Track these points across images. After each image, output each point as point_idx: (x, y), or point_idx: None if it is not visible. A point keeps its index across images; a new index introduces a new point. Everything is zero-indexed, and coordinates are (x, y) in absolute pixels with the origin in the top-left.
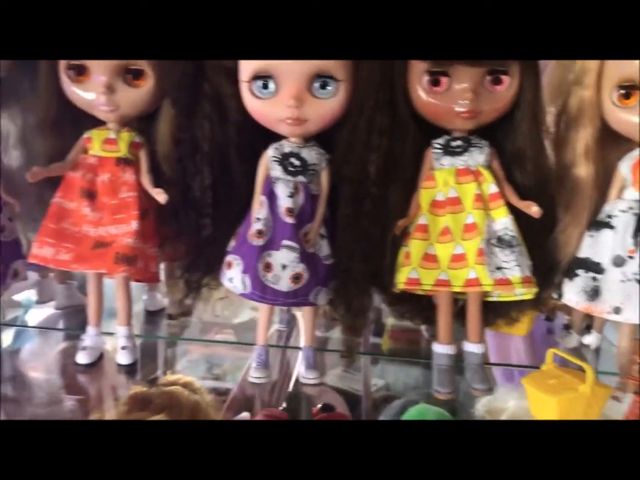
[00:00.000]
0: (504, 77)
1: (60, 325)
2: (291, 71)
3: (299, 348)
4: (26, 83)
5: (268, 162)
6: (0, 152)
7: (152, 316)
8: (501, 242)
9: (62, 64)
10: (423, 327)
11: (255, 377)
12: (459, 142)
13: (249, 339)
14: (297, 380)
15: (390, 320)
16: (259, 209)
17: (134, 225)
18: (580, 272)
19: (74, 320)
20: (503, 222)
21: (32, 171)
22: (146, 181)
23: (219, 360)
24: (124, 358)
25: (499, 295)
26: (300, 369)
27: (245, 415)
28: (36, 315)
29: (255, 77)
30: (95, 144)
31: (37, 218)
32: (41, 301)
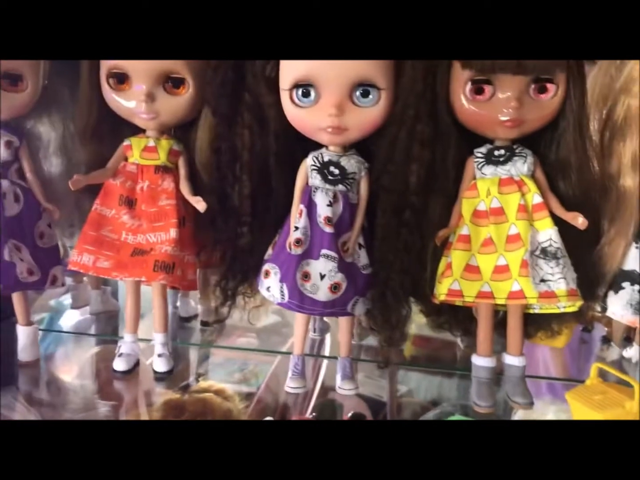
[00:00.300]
0: (550, 86)
1: (93, 329)
2: (332, 79)
3: (334, 357)
4: (67, 91)
5: (307, 171)
6: (41, 159)
7: (185, 322)
8: (546, 253)
9: (104, 72)
10: (458, 338)
11: (292, 387)
12: (501, 151)
13: (272, 342)
14: (322, 387)
15: (413, 328)
16: (297, 218)
17: (172, 233)
18: (625, 285)
19: (106, 326)
20: (548, 234)
21: (74, 179)
22: (185, 189)
23: (242, 364)
24: (160, 365)
25: (541, 307)
26: (336, 379)
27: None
28: (69, 320)
29: (296, 85)
30: (135, 152)
31: (75, 224)
32: (75, 306)
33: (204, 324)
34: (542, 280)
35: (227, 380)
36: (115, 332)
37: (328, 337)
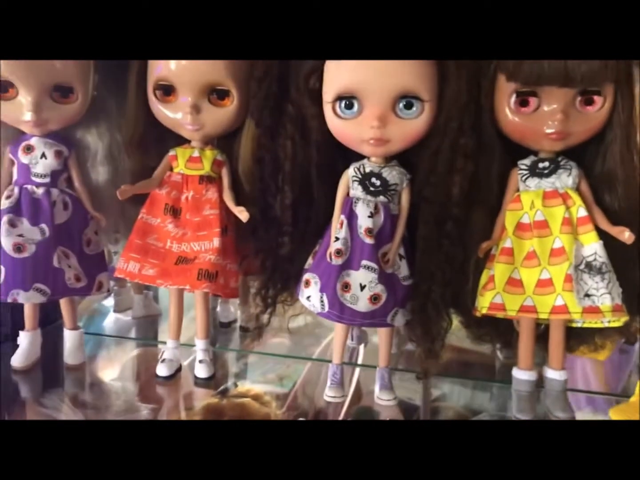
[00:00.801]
0: (596, 98)
1: (133, 333)
2: (376, 91)
3: (372, 367)
4: (114, 101)
5: (349, 182)
6: (89, 168)
7: (225, 327)
8: (590, 268)
9: (151, 84)
10: (498, 349)
11: (331, 396)
12: (546, 164)
13: (305, 344)
14: (355, 394)
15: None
16: (338, 229)
17: (215, 242)
18: None
19: (147, 329)
20: (592, 248)
21: (121, 189)
22: (228, 199)
23: (274, 365)
24: (202, 371)
25: (584, 321)
26: (375, 389)
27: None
28: (110, 323)
29: (339, 97)
30: (180, 162)
31: (120, 231)
32: (118, 310)
33: (244, 329)
34: (587, 295)
35: (261, 380)
36: (155, 336)
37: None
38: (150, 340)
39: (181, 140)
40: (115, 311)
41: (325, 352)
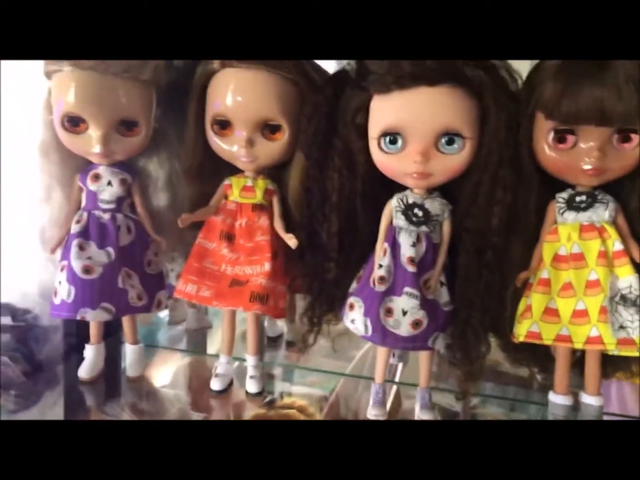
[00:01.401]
0: (633, 136)
1: (184, 344)
2: (419, 129)
3: (412, 385)
4: (174, 132)
5: (392, 212)
6: (151, 195)
7: (273, 341)
8: (625, 300)
9: (209, 118)
10: (535, 372)
11: (374, 414)
12: (583, 197)
13: (345, 348)
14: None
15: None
16: (382, 256)
17: (267, 266)
18: None
19: (198, 341)
20: (628, 280)
21: (182, 218)
22: (278, 226)
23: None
24: (252, 387)
25: (620, 350)
26: (415, 408)
27: None
28: (165, 334)
29: (384, 134)
30: (235, 191)
31: (177, 251)
32: (173, 322)
33: (290, 344)
34: (621, 327)
35: (301, 382)
36: (205, 347)
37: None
38: (201, 352)
39: (236, 170)
40: (170, 323)
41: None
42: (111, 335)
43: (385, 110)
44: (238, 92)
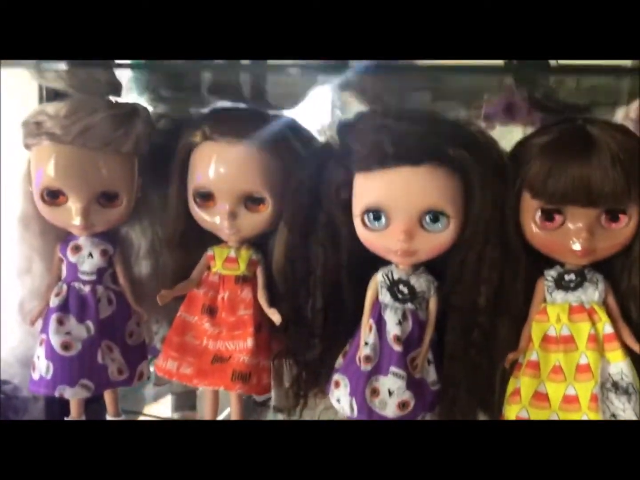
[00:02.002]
0: (622, 216)
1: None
2: (402, 208)
3: None
4: (156, 199)
5: (377, 287)
6: (132, 263)
7: (259, 406)
8: (617, 387)
9: (191, 190)
10: None
11: None
12: (572, 276)
13: None
14: None
15: None
16: (367, 333)
17: (249, 343)
18: None
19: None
20: (619, 366)
21: (161, 295)
22: (262, 298)
23: None
24: None
25: None
26: None
27: None
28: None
29: (368, 210)
30: (218, 262)
31: (159, 319)
32: (158, 384)
33: (277, 409)
34: (613, 415)
35: None
36: (193, 405)
37: None
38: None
39: (219, 239)
40: (155, 384)
41: None
42: (93, 401)
43: (368, 188)
44: (220, 165)
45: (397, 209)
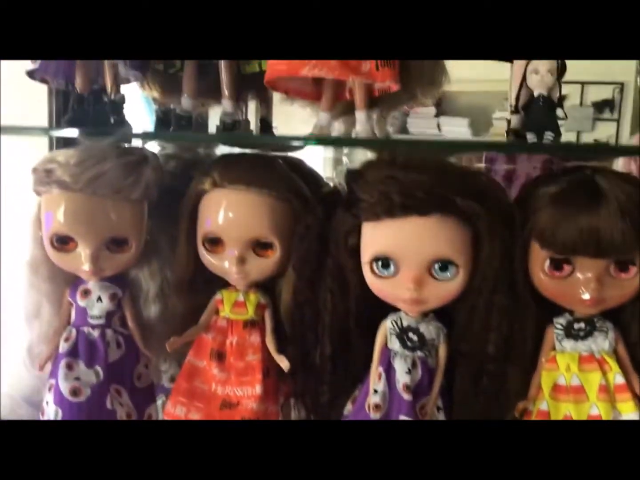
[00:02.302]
0: (631, 266)
1: None
2: (411, 257)
3: None
4: (165, 242)
5: (386, 334)
6: (141, 306)
7: None
8: None
9: (200, 235)
10: None
11: None
12: (581, 325)
13: None
14: None
15: None
16: (376, 381)
17: (258, 389)
18: None
19: None
20: (631, 418)
21: (170, 342)
22: (270, 344)
23: None
24: None
25: None
26: None
27: None
28: None
29: (376, 258)
30: (226, 307)
31: (169, 359)
32: None
33: None
34: None
35: None
36: None
37: None
38: None
39: (228, 282)
40: None
41: None
42: None
43: (377, 237)
44: (229, 212)
45: (406, 257)
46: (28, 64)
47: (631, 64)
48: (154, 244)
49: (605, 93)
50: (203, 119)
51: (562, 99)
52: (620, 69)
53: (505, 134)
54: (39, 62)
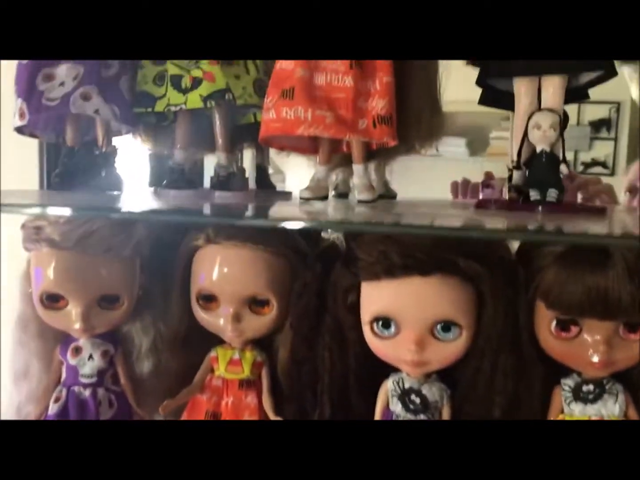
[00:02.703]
0: None
1: None
2: (412, 318)
3: None
4: (158, 296)
5: (387, 395)
6: (134, 362)
7: None
8: None
9: (194, 292)
10: None
11: None
12: (590, 387)
13: None
14: None
15: None
16: None
17: None
18: None
19: None
20: None
21: (164, 405)
22: (267, 404)
23: None
24: None
25: None
26: None
27: None
28: None
29: (377, 319)
30: (221, 365)
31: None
32: None
33: None
34: None
35: None
36: None
37: None
38: None
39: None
40: None
41: None
42: None
43: (377, 296)
44: (224, 268)
45: (407, 318)
46: (16, 121)
47: (626, 83)
48: (146, 298)
49: (602, 112)
50: (197, 167)
51: (564, 153)
52: (616, 88)
53: (507, 190)
54: (27, 117)
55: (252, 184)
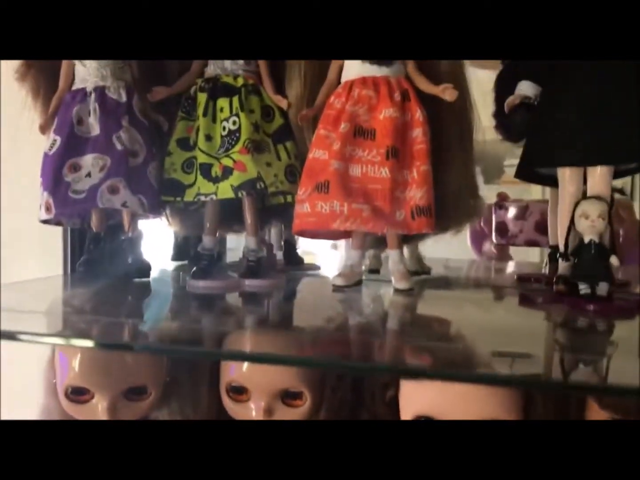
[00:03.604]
0: None
1: None
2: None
3: None
4: (185, 385)
5: None
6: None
7: None
8: None
9: (223, 384)
10: None
11: None
12: None
13: None
14: None
15: None
16: None
17: None
18: None
19: None
20: None
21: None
22: None
23: None
24: None
25: None
26: None
27: None
28: None
29: (419, 418)
30: None
31: None
32: None
33: None
34: None
35: None
36: None
37: None
38: None
39: None
40: None
41: None
42: None
43: (419, 395)
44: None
45: (450, 418)
46: (42, 214)
47: None
48: (173, 385)
49: None
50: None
51: (614, 243)
52: None
53: (555, 282)
54: (53, 212)
55: (279, 255)
